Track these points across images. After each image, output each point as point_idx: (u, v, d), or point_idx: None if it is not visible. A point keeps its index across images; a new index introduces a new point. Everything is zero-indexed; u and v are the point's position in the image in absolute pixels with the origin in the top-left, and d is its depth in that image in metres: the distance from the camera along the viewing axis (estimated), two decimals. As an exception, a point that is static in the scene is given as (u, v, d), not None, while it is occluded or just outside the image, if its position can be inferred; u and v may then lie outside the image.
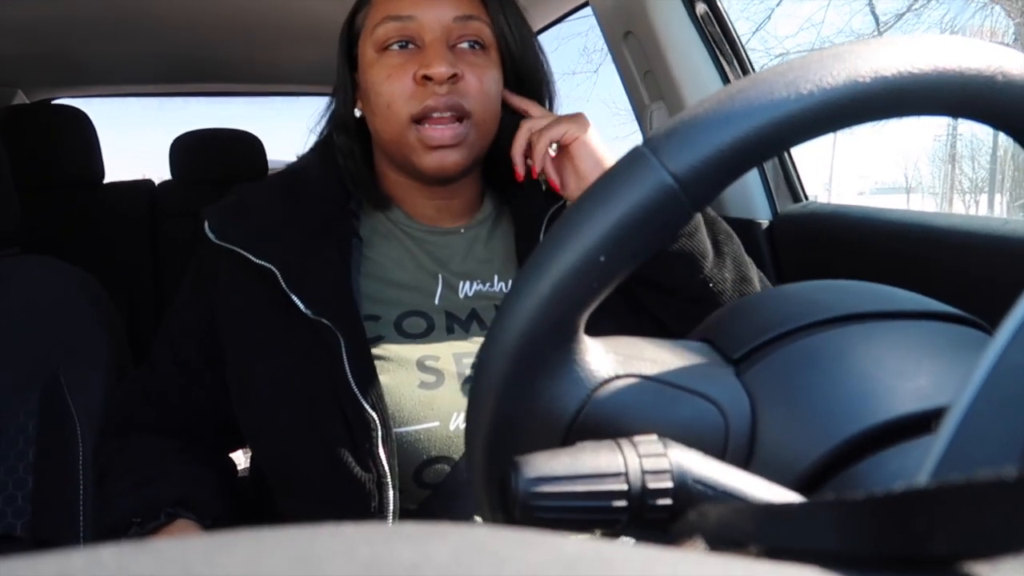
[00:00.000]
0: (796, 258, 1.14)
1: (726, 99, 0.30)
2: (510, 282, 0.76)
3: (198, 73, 2.05)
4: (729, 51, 1.21)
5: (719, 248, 0.74)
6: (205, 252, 0.73)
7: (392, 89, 0.69)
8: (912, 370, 0.32)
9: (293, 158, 0.81)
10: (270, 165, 2.06)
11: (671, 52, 1.20)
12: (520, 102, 0.75)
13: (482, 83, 0.70)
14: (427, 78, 0.67)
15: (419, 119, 0.69)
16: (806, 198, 1.22)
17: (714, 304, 0.71)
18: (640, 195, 0.30)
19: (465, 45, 0.71)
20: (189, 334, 0.74)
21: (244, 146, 2.03)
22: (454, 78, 0.68)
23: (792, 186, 1.22)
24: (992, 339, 0.23)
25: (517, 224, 0.79)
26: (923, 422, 0.30)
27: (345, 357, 0.65)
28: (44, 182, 1.81)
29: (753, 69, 1.23)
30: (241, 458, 1.27)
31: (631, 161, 0.31)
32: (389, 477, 0.64)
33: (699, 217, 0.72)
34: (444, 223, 0.78)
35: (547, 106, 0.78)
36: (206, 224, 0.71)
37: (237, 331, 0.71)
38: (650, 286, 0.73)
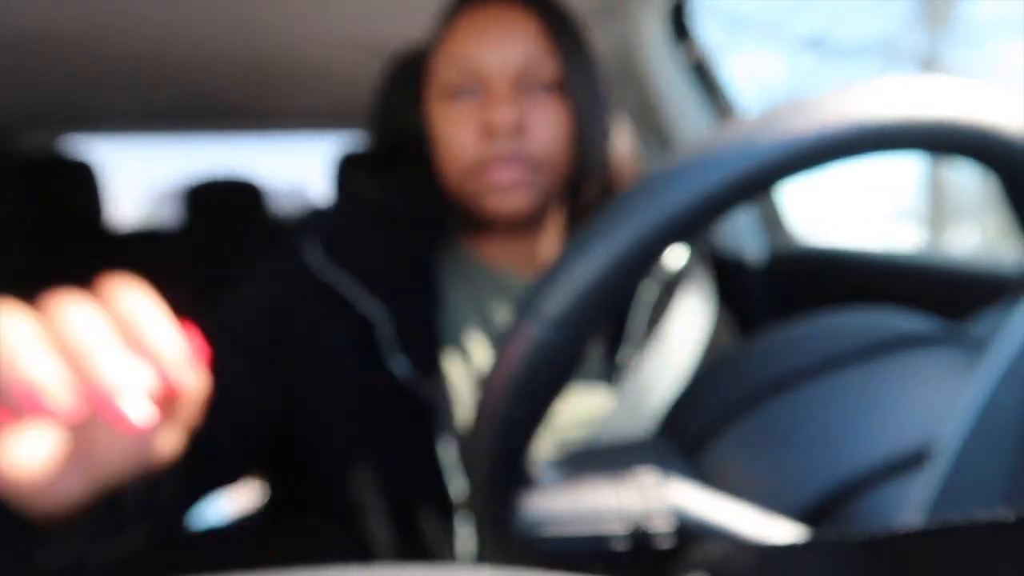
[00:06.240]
0: (791, 296, 1.15)
1: (579, 244, 0.32)
2: None
3: (208, 115, 2.09)
4: (716, 94, 1.24)
5: None
6: (288, 269, 0.62)
7: (459, 137, 0.61)
8: (852, 428, 0.33)
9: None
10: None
11: (661, 93, 1.23)
12: None
13: (550, 129, 0.62)
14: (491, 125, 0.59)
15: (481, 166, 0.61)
16: (796, 236, 1.23)
17: None
18: (520, 350, 0.32)
19: (536, 87, 0.62)
20: (253, 334, 0.61)
21: (245, 194, 2.10)
22: (519, 127, 0.60)
23: (783, 224, 1.23)
24: (977, 376, 0.23)
25: None
26: (909, 461, 0.31)
27: (439, 430, 0.58)
28: (53, 231, 1.84)
29: (734, 109, 1.26)
30: (248, 493, 1.23)
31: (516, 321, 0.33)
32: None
33: None
34: (521, 272, 0.69)
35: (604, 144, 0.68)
36: (307, 250, 0.62)
37: (318, 379, 0.61)
38: None
